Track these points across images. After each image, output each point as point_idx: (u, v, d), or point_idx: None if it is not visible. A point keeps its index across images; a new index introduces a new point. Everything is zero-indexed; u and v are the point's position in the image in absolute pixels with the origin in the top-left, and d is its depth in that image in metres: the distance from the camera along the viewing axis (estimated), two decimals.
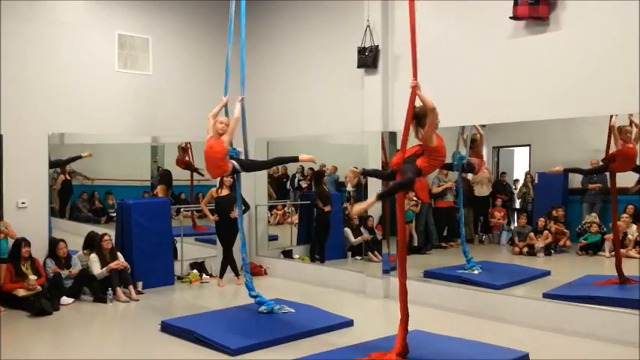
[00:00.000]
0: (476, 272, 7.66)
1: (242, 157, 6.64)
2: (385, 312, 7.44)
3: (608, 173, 7.08)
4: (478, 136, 7.85)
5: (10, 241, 7.34)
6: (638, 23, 5.74)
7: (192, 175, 9.82)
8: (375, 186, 8.06)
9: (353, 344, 5.57)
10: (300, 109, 9.12)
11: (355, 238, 9.45)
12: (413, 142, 5.16)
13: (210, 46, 9.43)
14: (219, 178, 8.72)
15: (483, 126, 7.80)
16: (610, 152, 6.81)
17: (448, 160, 8.29)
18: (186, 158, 9.66)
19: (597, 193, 8.05)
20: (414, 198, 9.19)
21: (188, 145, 9.66)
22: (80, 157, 8.75)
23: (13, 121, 7.58)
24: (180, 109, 9.21)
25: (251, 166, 6.82)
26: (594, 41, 6.08)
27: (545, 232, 8.46)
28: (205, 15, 9.47)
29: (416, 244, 9.34)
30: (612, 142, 6.75)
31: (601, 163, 7.06)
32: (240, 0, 6.54)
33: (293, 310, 6.66)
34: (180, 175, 9.81)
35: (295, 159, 6.62)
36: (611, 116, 6.53)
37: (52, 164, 8.17)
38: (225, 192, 8.65)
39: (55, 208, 8.48)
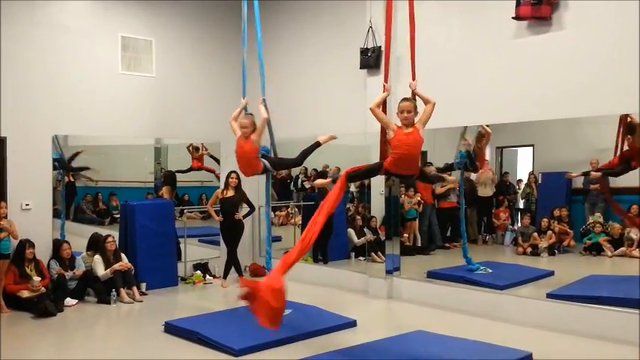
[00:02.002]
0: (483, 272, 7.66)
1: (271, 154, 6.74)
2: (388, 312, 7.44)
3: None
4: (485, 134, 7.83)
5: (14, 242, 7.37)
6: None
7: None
8: (378, 185, 8.07)
9: (356, 344, 5.57)
10: (302, 109, 9.13)
11: (358, 238, 9.44)
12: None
13: (213, 47, 9.47)
14: (224, 180, 8.75)
15: (488, 126, 7.79)
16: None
17: (450, 160, 8.34)
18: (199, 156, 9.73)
19: (598, 194, 8.03)
20: (418, 198, 9.20)
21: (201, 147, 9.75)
22: (77, 153, 8.82)
23: (16, 123, 7.61)
24: (184, 111, 9.24)
25: (279, 164, 6.90)
26: (597, 41, 6.07)
27: (549, 232, 8.44)
28: (208, 17, 9.50)
29: (419, 244, 9.34)
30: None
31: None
32: (254, 2, 6.54)
33: (290, 310, 6.61)
34: (184, 177, 9.83)
35: (317, 144, 6.78)
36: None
37: (62, 165, 8.30)
38: (230, 193, 8.65)
39: (58, 209, 8.50)
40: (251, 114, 6.62)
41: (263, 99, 6.59)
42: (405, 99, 5.34)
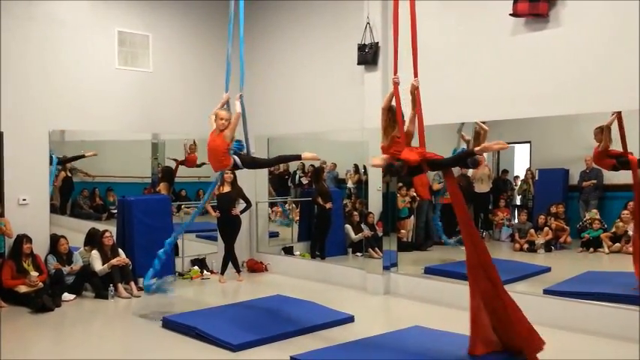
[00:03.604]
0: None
1: (244, 152, 6.62)
2: (385, 308, 7.47)
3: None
4: (482, 131, 7.83)
5: (8, 240, 7.37)
6: (638, 20, 5.75)
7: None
8: (376, 181, 8.08)
9: (354, 340, 5.59)
10: (300, 105, 9.13)
11: (356, 234, 9.46)
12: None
13: (210, 43, 9.44)
14: (220, 175, 8.74)
15: (484, 123, 7.80)
16: None
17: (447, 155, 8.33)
18: (194, 154, 9.63)
19: (591, 190, 8.07)
20: (413, 194, 9.21)
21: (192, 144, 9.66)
22: (83, 155, 8.82)
23: (13, 118, 7.59)
24: (181, 106, 9.23)
25: (251, 163, 6.63)
26: (594, 38, 6.09)
27: (546, 228, 8.46)
28: (205, 12, 9.47)
29: (408, 240, 9.32)
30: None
31: None
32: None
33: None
34: (181, 172, 9.81)
35: (298, 157, 6.41)
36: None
37: (58, 161, 8.34)
38: (226, 189, 8.66)
39: (55, 204, 8.49)
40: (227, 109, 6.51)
41: (240, 95, 6.44)
42: None
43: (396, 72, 5.35)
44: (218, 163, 6.39)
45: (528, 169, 8.96)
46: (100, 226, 8.33)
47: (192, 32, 9.41)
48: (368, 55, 7.85)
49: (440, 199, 9.40)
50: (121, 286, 7.65)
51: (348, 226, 9.63)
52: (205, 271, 9.08)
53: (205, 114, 9.47)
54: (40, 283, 7.17)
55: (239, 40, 6.54)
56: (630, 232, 7.77)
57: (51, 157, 8.07)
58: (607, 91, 5.99)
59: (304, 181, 10.71)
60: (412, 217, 9.39)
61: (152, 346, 5.74)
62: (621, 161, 6.62)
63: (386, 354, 5.20)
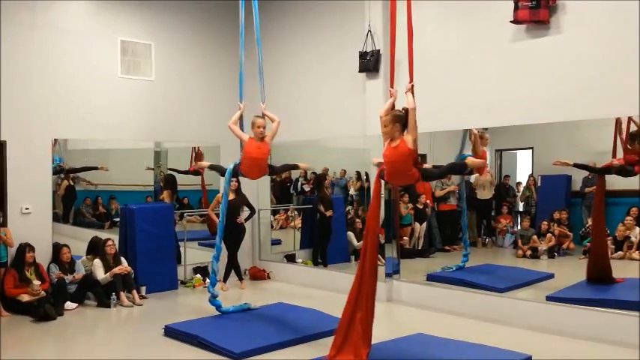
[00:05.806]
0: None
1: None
2: (388, 315, 7.44)
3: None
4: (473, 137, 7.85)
5: (10, 250, 7.39)
6: (639, 25, 5.75)
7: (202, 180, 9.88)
8: None
9: None
10: (302, 112, 9.13)
11: (358, 241, 9.43)
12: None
13: (212, 51, 9.49)
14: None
15: (485, 129, 7.80)
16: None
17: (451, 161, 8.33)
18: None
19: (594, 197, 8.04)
20: (426, 201, 9.20)
21: (199, 151, 9.66)
22: (96, 168, 8.94)
23: (16, 127, 7.62)
24: (183, 115, 9.25)
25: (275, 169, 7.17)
26: (595, 44, 6.09)
27: (549, 235, 8.44)
28: (207, 21, 9.51)
29: (410, 247, 9.31)
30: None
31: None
32: (253, 3, 6.55)
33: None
34: (185, 180, 9.83)
35: (295, 166, 7.33)
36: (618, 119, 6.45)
37: (68, 171, 8.55)
38: (231, 196, 8.64)
39: (58, 213, 8.51)
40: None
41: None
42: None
43: (392, 83, 5.34)
44: (260, 171, 6.60)
45: (531, 175, 8.94)
46: (103, 235, 8.34)
47: (194, 41, 9.43)
48: (369, 63, 7.86)
49: (440, 206, 9.42)
50: (123, 295, 7.64)
51: (350, 234, 9.61)
52: (207, 279, 9.05)
53: (207, 122, 9.55)
54: (43, 292, 7.18)
55: (255, 47, 6.60)
56: (633, 238, 7.76)
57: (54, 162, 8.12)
58: (609, 97, 5.99)
59: (306, 188, 10.70)
60: (423, 223, 9.36)
61: (154, 354, 5.73)
62: None
63: None
